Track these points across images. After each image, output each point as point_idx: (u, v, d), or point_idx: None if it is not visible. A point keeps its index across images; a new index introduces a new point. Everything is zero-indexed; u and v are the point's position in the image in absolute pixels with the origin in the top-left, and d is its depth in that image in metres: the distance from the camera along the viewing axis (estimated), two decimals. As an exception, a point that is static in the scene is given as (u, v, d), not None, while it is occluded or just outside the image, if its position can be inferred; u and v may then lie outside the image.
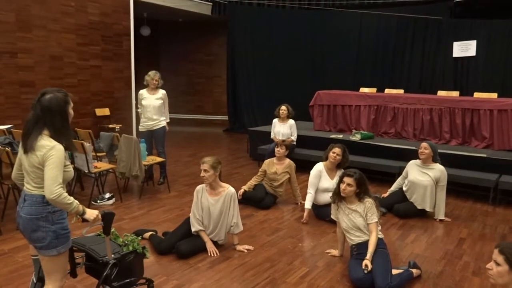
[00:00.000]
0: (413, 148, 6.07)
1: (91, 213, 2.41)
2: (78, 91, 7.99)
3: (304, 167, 6.62)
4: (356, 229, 3.61)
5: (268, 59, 10.95)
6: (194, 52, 13.53)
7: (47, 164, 2.26)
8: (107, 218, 2.56)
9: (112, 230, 2.96)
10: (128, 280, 2.77)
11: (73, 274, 2.82)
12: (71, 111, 2.43)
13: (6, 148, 4.51)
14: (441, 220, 4.98)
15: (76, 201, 2.33)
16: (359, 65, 9.74)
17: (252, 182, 5.52)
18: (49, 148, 2.28)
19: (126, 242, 2.88)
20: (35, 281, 2.62)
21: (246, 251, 4.02)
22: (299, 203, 5.48)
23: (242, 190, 5.36)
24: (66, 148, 2.35)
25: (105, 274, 2.63)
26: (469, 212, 5.36)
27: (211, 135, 11.44)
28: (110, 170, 5.70)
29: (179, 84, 13.49)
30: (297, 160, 6.12)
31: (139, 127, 6.20)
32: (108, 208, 5.18)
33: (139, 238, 2.98)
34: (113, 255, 2.71)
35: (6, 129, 5.82)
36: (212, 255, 3.89)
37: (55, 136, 2.33)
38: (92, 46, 8.25)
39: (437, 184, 4.98)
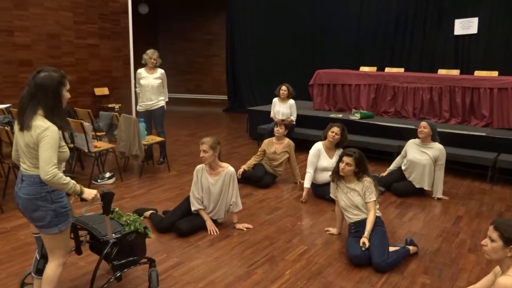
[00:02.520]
0: (413, 127, 6.07)
1: (89, 193, 2.42)
2: (76, 70, 7.94)
3: (303, 146, 6.63)
4: (354, 207, 3.65)
5: (268, 38, 10.83)
6: (193, 30, 13.38)
7: (41, 145, 2.26)
8: (106, 198, 2.57)
9: (116, 209, 2.99)
10: (129, 259, 2.80)
11: (78, 251, 2.86)
12: (65, 94, 2.41)
13: (6, 127, 4.52)
14: (438, 199, 5.02)
15: (73, 181, 2.34)
16: (359, 44, 9.64)
17: (252, 161, 5.55)
18: (43, 129, 2.28)
19: (129, 221, 2.90)
20: (38, 258, 2.66)
21: (245, 229, 4.07)
22: (298, 182, 5.51)
23: (241, 170, 5.39)
24: (60, 128, 2.35)
25: (105, 252, 2.67)
26: (466, 191, 5.40)
27: (211, 115, 11.42)
28: (110, 150, 5.72)
29: (178, 63, 13.39)
30: (296, 140, 6.13)
31: (138, 107, 6.18)
32: (108, 188, 5.22)
33: (141, 218, 3.00)
34: (114, 234, 2.73)
35: (5, 108, 5.81)
36: (212, 233, 3.94)
37: (49, 116, 2.33)
38: (89, 24, 8.16)
39: (436, 163, 5.00)
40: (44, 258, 2.62)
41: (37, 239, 2.64)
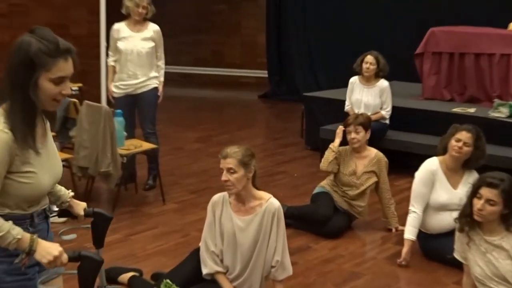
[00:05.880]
0: None
1: (46, 253, 2.32)
2: (11, 25, 8.14)
3: (401, 164, 6.55)
4: (500, 279, 3.58)
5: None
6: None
7: None
8: (85, 267, 2.46)
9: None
10: None
11: None
12: (45, 84, 2.32)
13: None
14: None
15: (16, 231, 2.30)
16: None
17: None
18: None
19: None
20: None
21: (298, 312, 4.04)
22: (393, 229, 5.46)
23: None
24: (20, 139, 2.32)
25: None
26: None
27: (239, 104, 11.51)
28: (63, 163, 5.79)
29: (182, 14, 13.55)
30: (388, 152, 6.03)
31: (113, 89, 6.28)
32: (60, 229, 5.27)
33: None
34: None
35: None
36: (238, 317, 3.93)
37: (11, 113, 2.33)
38: None
39: None
40: None
41: None
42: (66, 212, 2.84)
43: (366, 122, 5.58)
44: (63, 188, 2.84)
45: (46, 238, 2.49)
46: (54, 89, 2.35)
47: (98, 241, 2.92)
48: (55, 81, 2.34)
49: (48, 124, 2.57)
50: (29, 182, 2.38)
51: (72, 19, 8.87)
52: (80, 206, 2.84)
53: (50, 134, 2.60)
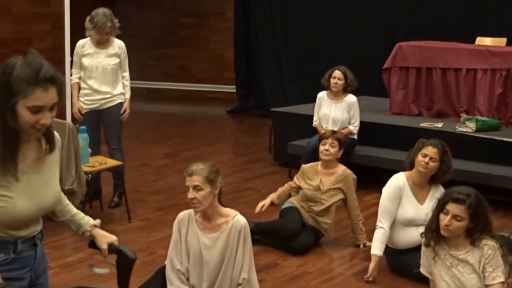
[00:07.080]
0: None
1: None
2: (-29, 39, 8.08)
3: (370, 179, 6.61)
4: None
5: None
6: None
7: None
8: None
9: None
10: None
11: None
12: (22, 112, 2.26)
13: None
14: None
15: None
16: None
17: (283, 192, 5.58)
18: None
19: None
20: None
21: (265, 329, 4.05)
22: (361, 245, 5.49)
23: (266, 202, 5.44)
24: (1, 164, 2.30)
25: None
26: None
27: (206, 120, 11.47)
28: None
29: (149, 28, 13.51)
30: (357, 168, 6.08)
31: (81, 105, 6.23)
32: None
33: None
34: None
35: None
36: (204, 335, 3.93)
37: None
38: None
39: None
40: None
41: None
42: (94, 244, 2.75)
43: (343, 140, 5.69)
44: (86, 217, 2.79)
45: (32, 265, 2.49)
46: (30, 117, 2.27)
47: (122, 282, 2.73)
48: (31, 109, 2.25)
49: (47, 146, 2.48)
50: (2, 206, 2.33)
51: (36, 32, 8.80)
52: (104, 239, 2.73)
53: (49, 158, 2.51)
